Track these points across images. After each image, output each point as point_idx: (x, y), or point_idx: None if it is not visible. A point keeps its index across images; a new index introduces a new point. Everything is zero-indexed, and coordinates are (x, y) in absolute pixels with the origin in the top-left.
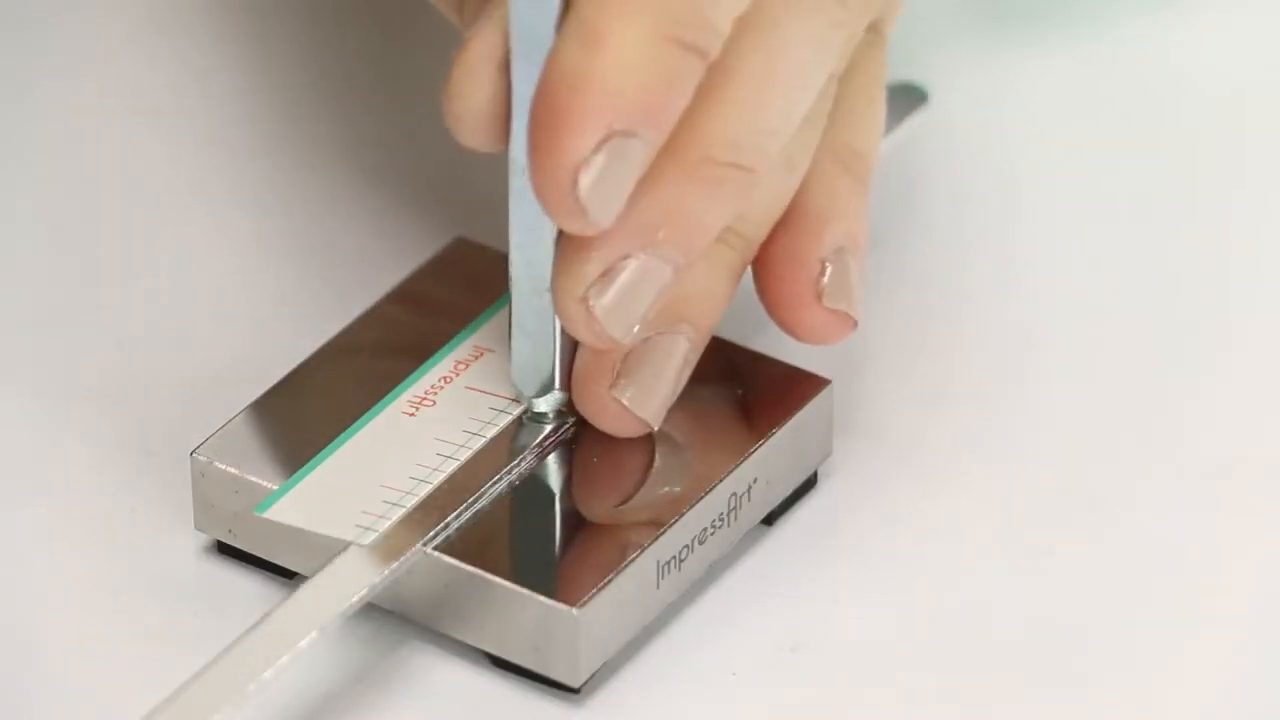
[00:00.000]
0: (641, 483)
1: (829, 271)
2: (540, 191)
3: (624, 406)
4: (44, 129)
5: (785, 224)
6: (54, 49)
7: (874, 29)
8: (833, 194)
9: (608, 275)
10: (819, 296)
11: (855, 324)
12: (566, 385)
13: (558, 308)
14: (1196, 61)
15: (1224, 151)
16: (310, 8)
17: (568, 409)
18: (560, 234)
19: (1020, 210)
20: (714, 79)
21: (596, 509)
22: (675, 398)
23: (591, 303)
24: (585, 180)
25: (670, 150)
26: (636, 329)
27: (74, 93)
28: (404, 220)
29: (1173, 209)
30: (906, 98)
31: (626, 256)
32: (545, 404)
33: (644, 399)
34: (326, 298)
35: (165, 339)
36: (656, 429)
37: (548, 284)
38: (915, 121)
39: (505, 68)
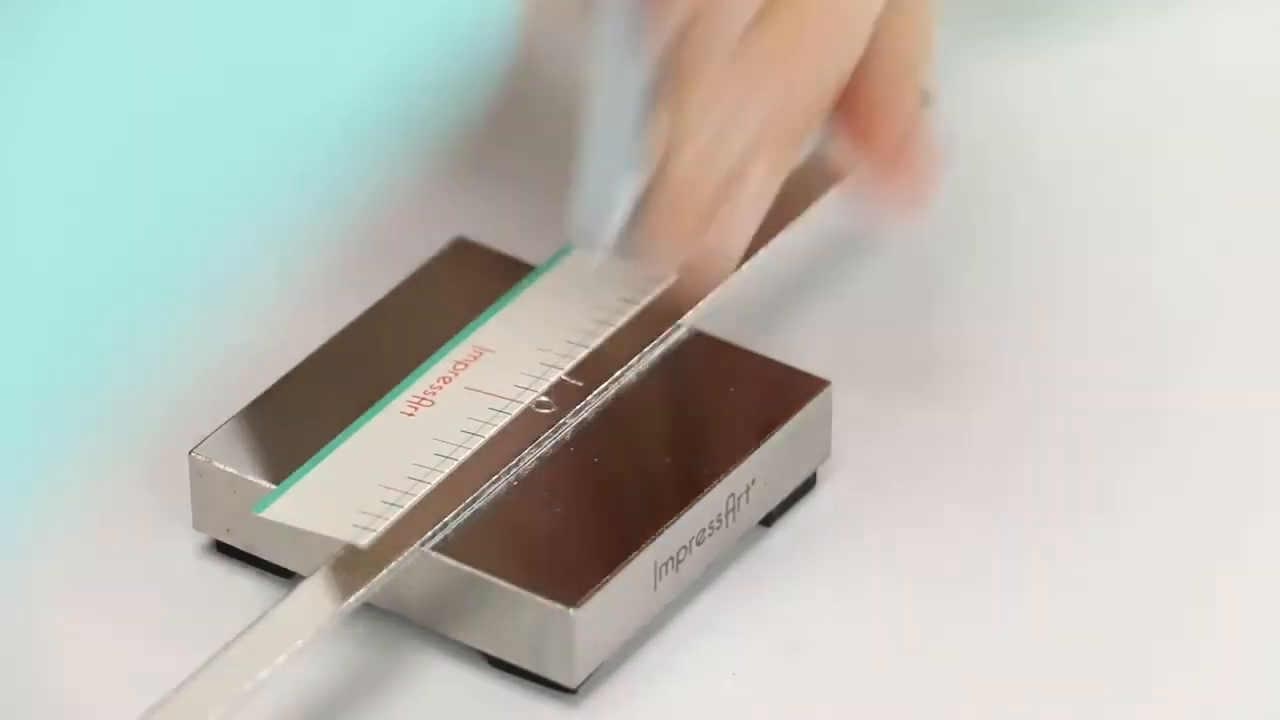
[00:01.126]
0: (639, 483)
1: (912, 122)
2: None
3: (708, 248)
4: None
5: (870, 71)
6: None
7: None
8: (914, 40)
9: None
10: (907, 147)
11: (936, 178)
12: (626, 241)
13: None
14: (1197, 61)
15: (1224, 151)
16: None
17: (623, 255)
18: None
19: (1020, 210)
20: None
21: (594, 509)
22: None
23: (712, 239)
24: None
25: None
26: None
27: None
28: (404, 220)
29: (1173, 209)
30: None
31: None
32: (597, 252)
33: (730, 228)
34: (326, 297)
35: (165, 338)
36: (732, 272)
37: (625, 140)
38: None
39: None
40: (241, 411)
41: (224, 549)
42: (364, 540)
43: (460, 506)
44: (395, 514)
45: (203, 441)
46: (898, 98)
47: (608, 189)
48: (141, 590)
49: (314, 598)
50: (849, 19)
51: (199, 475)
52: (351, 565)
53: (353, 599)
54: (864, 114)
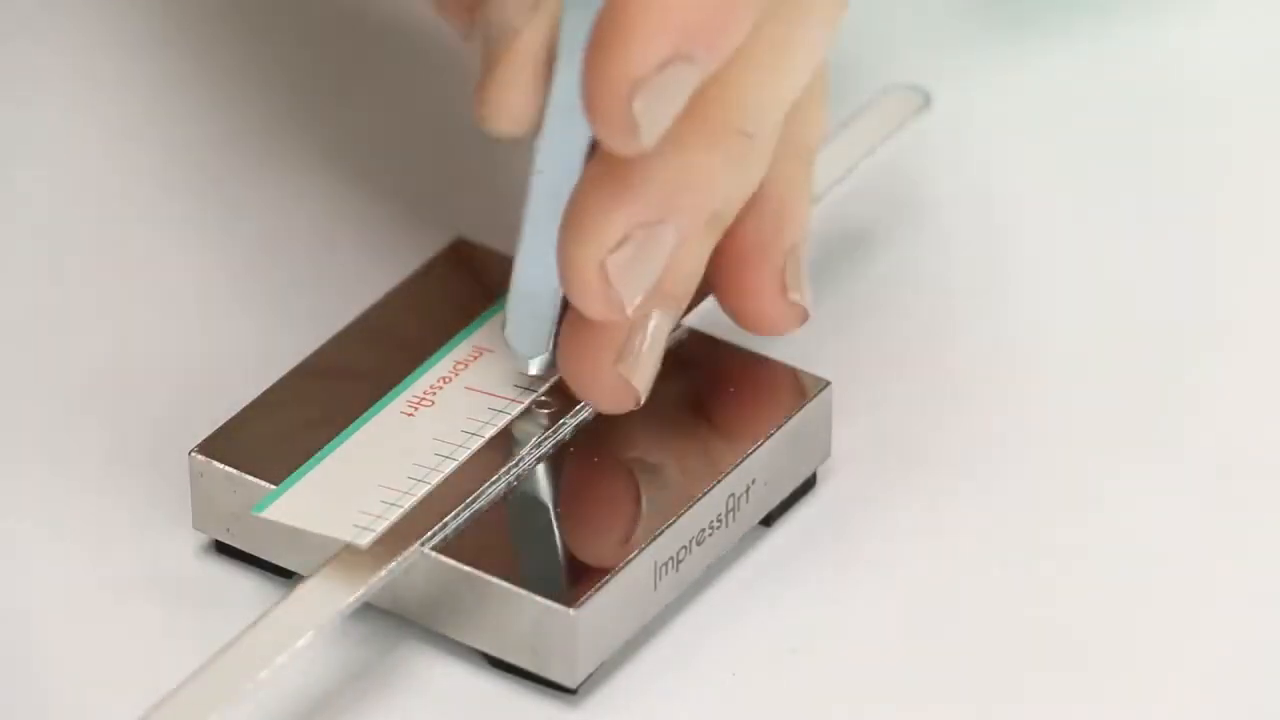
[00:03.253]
0: (639, 483)
1: (789, 264)
2: (594, 105)
3: (620, 380)
4: (44, 129)
5: (752, 213)
6: (52, 48)
7: None
8: (793, 186)
9: (626, 242)
10: (783, 289)
11: (808, 317)
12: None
13: (570, 277)
14: (1196, 61)
15: (1224, 151)
16: (310, 7)
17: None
18: (571, 205)
19: (1020, 210)
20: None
21: (594, 509)
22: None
23: (610, 270)
24: (641, 98)
25: (697, 114)
26: (639, 301)
27: (73, 92)
28: (404, 220)
29: (1172, 209)
30: (907, 98)
31: (648, 224)
32: (536, 366)
33: (638, 372)
34: (326, 298)
35: (165, 339)
36: (642, 403)
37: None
38: (915, 122)
39: (548, 66)
40: (241, 411)
41: (224, 549)
42: (364, 540)
43: (460, 506)
44: (395, 514)
45: (203, 441)
46: (780, 240)
47: (539, 304)
48: (141, 590)
49: (314, 598)
50: (747, 154)
51: (199, 475)
52: (351, 565)
53: (353, 599)
54: (741, 253)
